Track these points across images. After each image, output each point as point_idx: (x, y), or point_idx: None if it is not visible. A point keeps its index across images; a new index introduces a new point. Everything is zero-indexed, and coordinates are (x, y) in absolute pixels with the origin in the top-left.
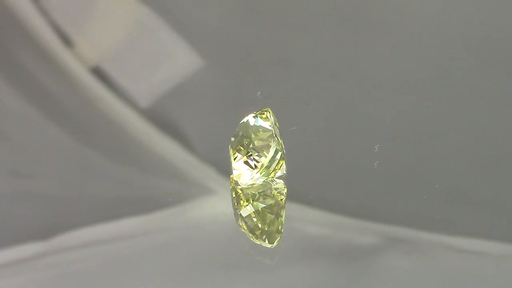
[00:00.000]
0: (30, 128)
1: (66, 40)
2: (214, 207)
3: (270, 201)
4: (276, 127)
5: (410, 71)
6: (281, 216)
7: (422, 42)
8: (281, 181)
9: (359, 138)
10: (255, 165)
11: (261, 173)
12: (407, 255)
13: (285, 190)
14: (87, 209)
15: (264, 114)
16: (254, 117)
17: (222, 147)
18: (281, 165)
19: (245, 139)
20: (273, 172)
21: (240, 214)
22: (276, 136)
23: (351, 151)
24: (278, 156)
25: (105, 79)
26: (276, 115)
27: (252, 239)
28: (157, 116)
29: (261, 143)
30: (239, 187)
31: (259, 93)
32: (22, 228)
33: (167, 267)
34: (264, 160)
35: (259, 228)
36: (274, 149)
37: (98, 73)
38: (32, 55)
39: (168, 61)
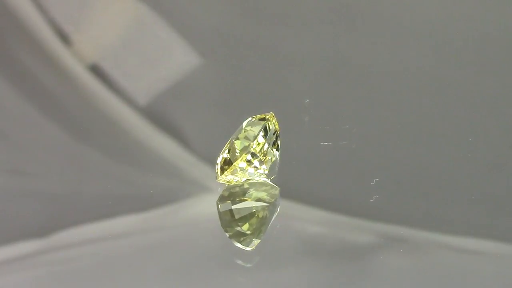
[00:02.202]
0: (28, 126)
1: (65, 38)
2: (212, 205)
3: (250, 204)
4: (275, 132)
5: (410, 69)
6: (262, 221)
7: (422, 40)
8: (275, 186)
9: (358, 136)
10: (228, 164)
11: (239, 173)
12: (406, 254)
13: (274, 196)
14: (84, 207)
15: (263, 117)
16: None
17: (220, 145)
18: (263, 169)
19: (234, 137)
20: (248, 174)
21: (218, 209)
22: (264, 142)
23: (350, 150)
24: (254, 161)
25: (103, 77)
26: (275, 114)
27: (229, 237)
28: (155, 114)
29: (243, 144)
30: (220, 181)
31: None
32: (20, 226)
33: (164, 265)
34: (236, 162)
35: (234, 228)
36: (249, 152)
37: (96, 71)
38: (30, 53)
39: (166, 59)
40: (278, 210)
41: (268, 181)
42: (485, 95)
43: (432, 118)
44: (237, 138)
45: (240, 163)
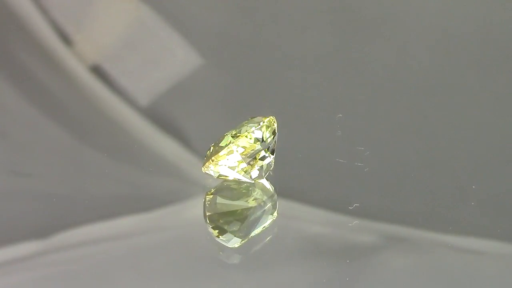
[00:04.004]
0: (29, 127)
1: (66, 39)
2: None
3: (236, 202)
4: (271, 136)
5: (410, 70)
6: (245, 220)
7: (422, 41)
8: (271, 190)
9: (358, 137)
10: (210, 156)
11: (221, 168)
12: (407, 254)
13: (268, 198)
14: (85, 208)
15: (262, 119)
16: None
17: None
18: (248, 169)
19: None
20: (230, 171)
21: (204, 200)
22: (255, 144)
23: (350, 150)
24: (239, 159)
25: (105, 78)
26: (274, 114)
27: (210, 230)
28: (156, 115)
29: (229, 140)
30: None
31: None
32: (21, 227)
33: (165, 266)
34: (216, 155)
35: (215, 222)
36: (229, 150)
37: (97, 71)
38: (31, 53)
39: (167, 60)
40: (275, 214)
41: (266, 183)
42: (487, 95)
43: (432, 118)
44: (227, 134)
45: (221, 156)
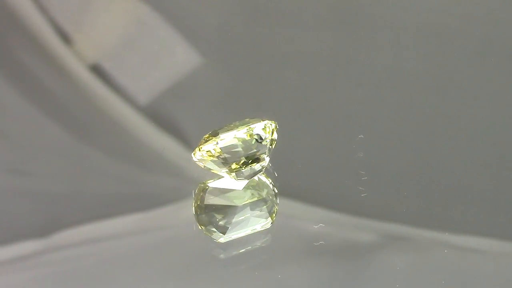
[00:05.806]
0: (28, 126)
1: (65, 38)
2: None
3: (225, 199)
4: (269, 142)
5: (409, 69)
6: (231, 218)
7: (421, 40)
8: (267, 192)
9: (358, 136)
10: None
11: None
12: (406, 253)
13: (260, 198)
14: (85, 207)
15: (261, 122)
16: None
17: None
18: (230, 167)
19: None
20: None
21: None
22: (241, 147)
23: (349, 149)
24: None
25: (104, 77)
26: (274, 113)
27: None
28: (156, 114)
29: (217, 134)
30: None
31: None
32: (20, 226)
33: (165, 265)
34: (200, 145)
35: (200, 214)
36: (215, 142)
37: (97, 70)
38: (31, 52)
39: (167, 59)
40: (270, 219)
41: (268, 186)
42: (485, 94)
43: (432, 117)
44: (220, 128)
45: (207, 145)
